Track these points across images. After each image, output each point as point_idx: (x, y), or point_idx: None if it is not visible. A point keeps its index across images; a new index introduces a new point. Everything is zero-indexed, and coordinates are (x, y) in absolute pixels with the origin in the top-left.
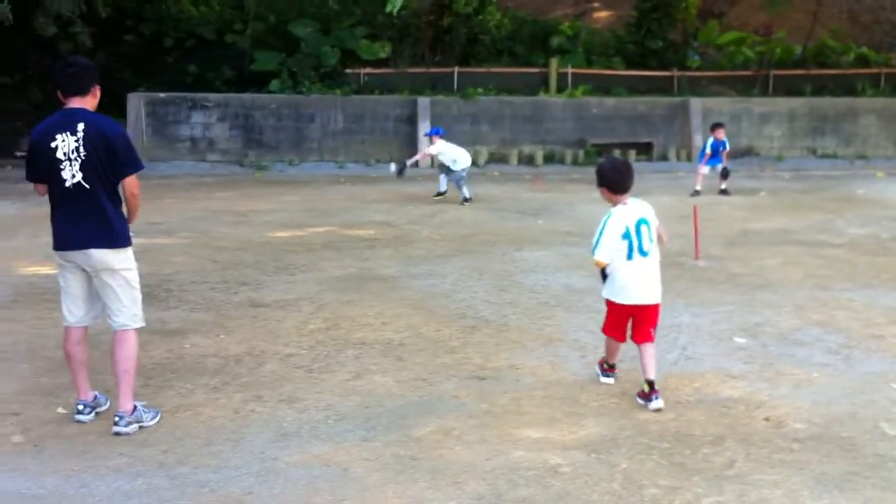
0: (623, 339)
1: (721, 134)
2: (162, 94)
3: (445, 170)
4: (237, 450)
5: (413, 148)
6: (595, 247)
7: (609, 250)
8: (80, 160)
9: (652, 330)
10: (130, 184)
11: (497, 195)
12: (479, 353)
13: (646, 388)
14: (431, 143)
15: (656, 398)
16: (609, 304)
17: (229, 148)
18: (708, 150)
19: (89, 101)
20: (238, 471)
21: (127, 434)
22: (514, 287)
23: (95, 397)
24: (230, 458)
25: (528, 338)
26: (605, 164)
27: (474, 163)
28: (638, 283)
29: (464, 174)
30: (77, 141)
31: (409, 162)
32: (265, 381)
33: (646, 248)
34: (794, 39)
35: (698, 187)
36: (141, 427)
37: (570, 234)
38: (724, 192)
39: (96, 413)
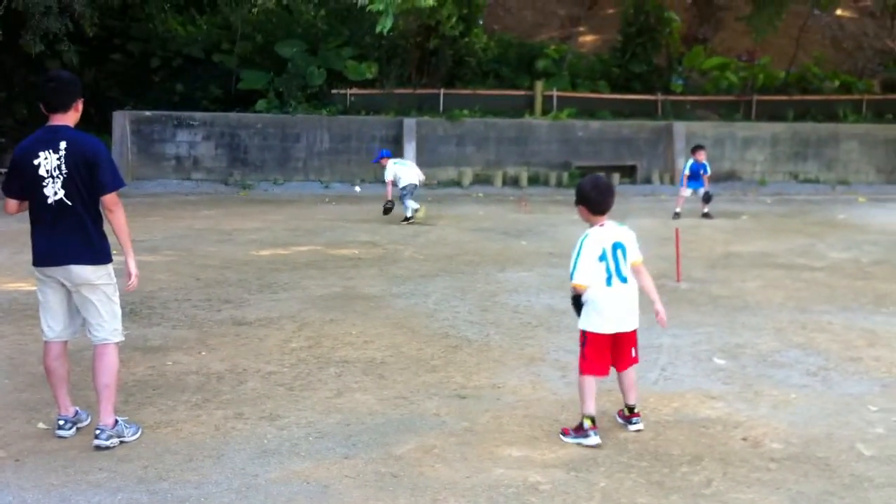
0: (606, 373)
1: (702, 156)
2: (147, 113)
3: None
4: (218, 466)
5: None
6: (573, 270)
7: (587, 273)
8: (62, 178)
9: (634, 349)
10: (109, 201)
11: (481, 216)
12: (460, 372)
13: (626, 412)
14: (382, 166)
15: (637, 420)
16: (588, 336)
17: (214, 167)
18: (687, 172)
19: (71, 117)
20: (219, 487)
21: (107, 448)
22: (496, 307)
23: (76, 412)
24: (211, 475)
25: (510, 357)
26: (587, 182)
27: (458, 183)
28: (619, 310)
29: (405, 192)
30: (59, 159)
31: (388, 199)
32: (246, 399)
33: (624, 273)
34: (777, 65)
35: (678, 209)
36: (122, 442)
37: (553, 255)
38: (706, 215)
39: (77, 428)
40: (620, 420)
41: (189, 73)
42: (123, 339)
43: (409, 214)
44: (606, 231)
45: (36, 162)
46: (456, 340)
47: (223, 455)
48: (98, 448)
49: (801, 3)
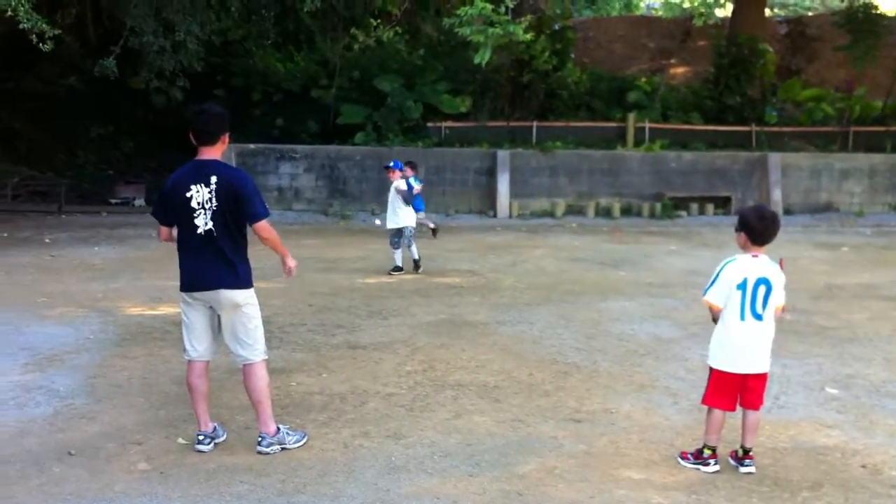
0: (732, 408)
1: (409, 172)
2: (252, 146)
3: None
4: (350, 480)
5: (492, 198)
6: (708, 287)
7: (721, 295)
8: (212, 210)
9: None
10: (260, 228)
11: (577, 246)
12: (572, 397)
13: (740, 453)
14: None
15: (749, 463)
16: (713, 372)
17: (315, 197)
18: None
19: (218, 149)
20: (353, 500)
21: (268, 454)
22: (601, 335)
23: (214, 428)
24: (345, 489)
25: (620, 383)
26: (752, 210)
27: (551, 214)
28: (749, 349)
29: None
30: (210, 192)
31: (431, 225)
32: (370, 418)
33: (759, 310)
34: (872, 96)
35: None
36: (283, 448)
37: (652, 286)
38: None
39: (215, 444)
40: (732, 462)
41: (288, 107)
42: (267, 357)
43: (399, 263)
44: (756, 263)
45: (188, 194)
46: (565, 367)
47: (354, 470)
48: (260, 453)
49: None
